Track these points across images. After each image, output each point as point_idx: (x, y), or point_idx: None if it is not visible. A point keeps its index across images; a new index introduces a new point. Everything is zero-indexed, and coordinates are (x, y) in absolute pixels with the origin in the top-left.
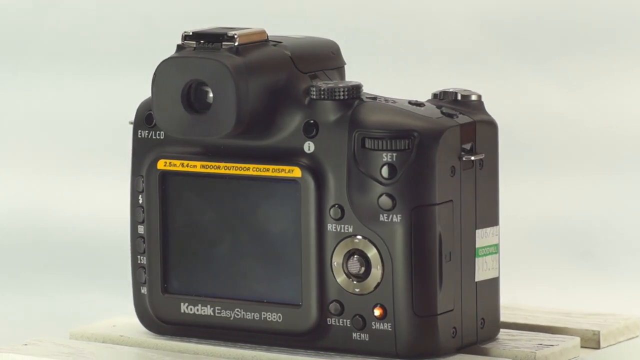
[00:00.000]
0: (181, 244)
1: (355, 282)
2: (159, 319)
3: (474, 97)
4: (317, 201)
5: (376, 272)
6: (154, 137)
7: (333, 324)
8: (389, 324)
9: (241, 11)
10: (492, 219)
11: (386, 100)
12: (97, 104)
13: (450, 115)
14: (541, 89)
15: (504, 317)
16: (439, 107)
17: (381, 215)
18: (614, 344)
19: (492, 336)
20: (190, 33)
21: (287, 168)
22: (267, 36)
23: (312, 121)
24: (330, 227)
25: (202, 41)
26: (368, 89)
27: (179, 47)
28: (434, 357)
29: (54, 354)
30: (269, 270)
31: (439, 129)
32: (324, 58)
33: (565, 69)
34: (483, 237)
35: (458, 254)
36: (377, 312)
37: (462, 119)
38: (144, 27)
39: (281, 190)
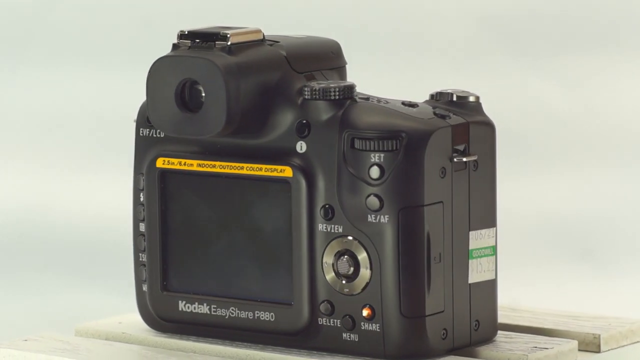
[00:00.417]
0: (180, 242)
1: (344, 283)
2: (158, 317)
3: (471, 99)
4: (308, 201)
5: (365, 273)
6: (154, 136)
7: (324, 324)
8: (377, 325)
9: (246, 11)
10: (488, 221)
11: (379, 100)
12: (97, 103)
13: (442, 117)
14: (541, 88)
15: (508, 318)
16: (433, 108)
17: (369, 216)
18: (615, 348)
19: (488, 338)
20: (186, 32)
21: (279, 168)
22: (264, 36)
23: (304, 121)
24: (321, 227)
25: (196, 40)
26: (368, 89)
27: (175, 46)
28: (422, 359)
29: (50, 350)
30: (262, 270)
31: (428, 129)
32: (322, 58)
33: (564, 68)
34: (477, 238)
35: (449, 255)
36: (365, 312)
37: (455, 120)
38: (145, 27)
39: (273, 189)
